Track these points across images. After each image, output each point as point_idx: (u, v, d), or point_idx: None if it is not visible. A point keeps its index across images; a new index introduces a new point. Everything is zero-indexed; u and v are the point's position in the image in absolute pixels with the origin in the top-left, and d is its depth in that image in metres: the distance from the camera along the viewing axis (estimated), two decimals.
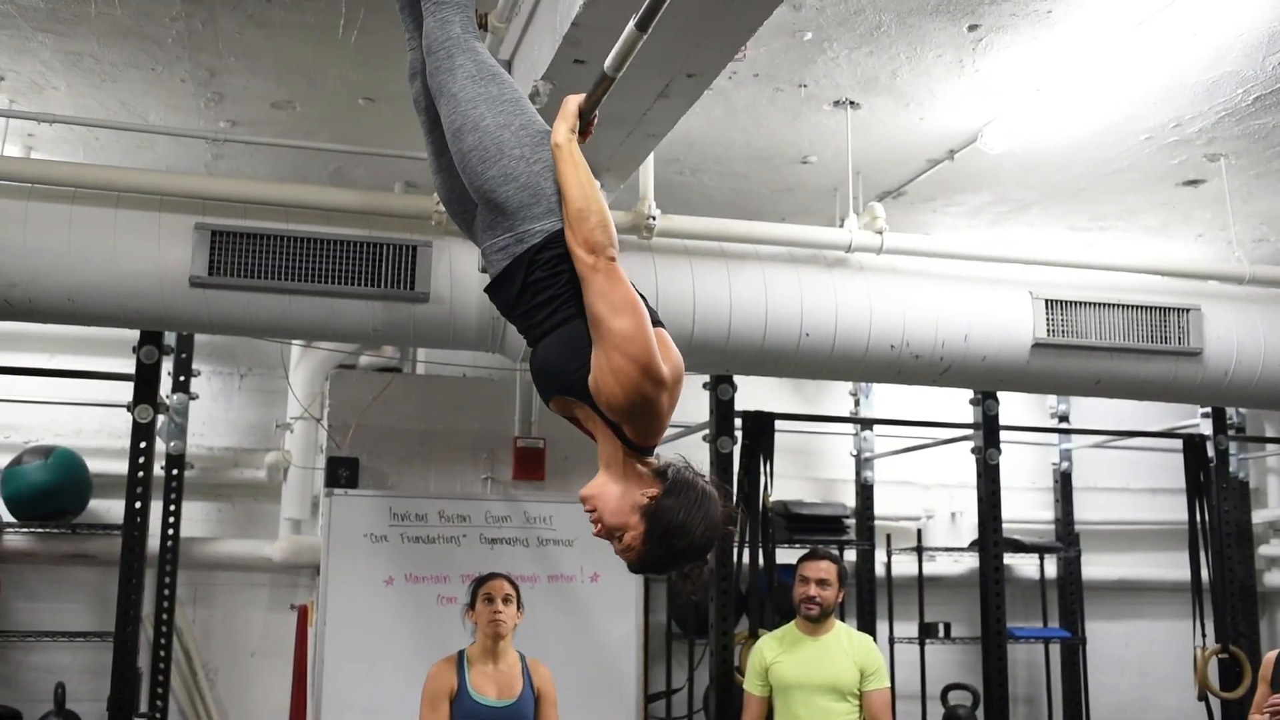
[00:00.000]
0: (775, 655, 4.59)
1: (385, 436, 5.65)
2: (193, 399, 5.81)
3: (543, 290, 2.25)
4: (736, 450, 5.78)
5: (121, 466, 5.32)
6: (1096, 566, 7.29)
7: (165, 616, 5.63)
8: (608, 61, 2.17)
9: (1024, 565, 7.18)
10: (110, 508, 5.76)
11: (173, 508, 5.71)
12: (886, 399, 6.97)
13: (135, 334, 5.25)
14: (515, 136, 2.30)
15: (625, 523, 2.20)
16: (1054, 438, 7.34)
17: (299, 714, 5.54)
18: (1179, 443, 6.72)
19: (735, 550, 5.78)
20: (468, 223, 2.54)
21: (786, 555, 5.87)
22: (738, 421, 5.82)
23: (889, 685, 4.57)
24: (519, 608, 4.36)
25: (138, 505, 5.23)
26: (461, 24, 2.45)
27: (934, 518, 7.32)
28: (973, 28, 3.88)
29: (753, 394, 6.19)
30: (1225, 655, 6.40)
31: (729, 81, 4.29)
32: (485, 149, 2.29)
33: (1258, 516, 7.35)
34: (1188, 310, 5.07)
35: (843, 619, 4.86)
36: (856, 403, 7.04)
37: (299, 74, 4.44)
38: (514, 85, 2.42)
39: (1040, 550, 6.95)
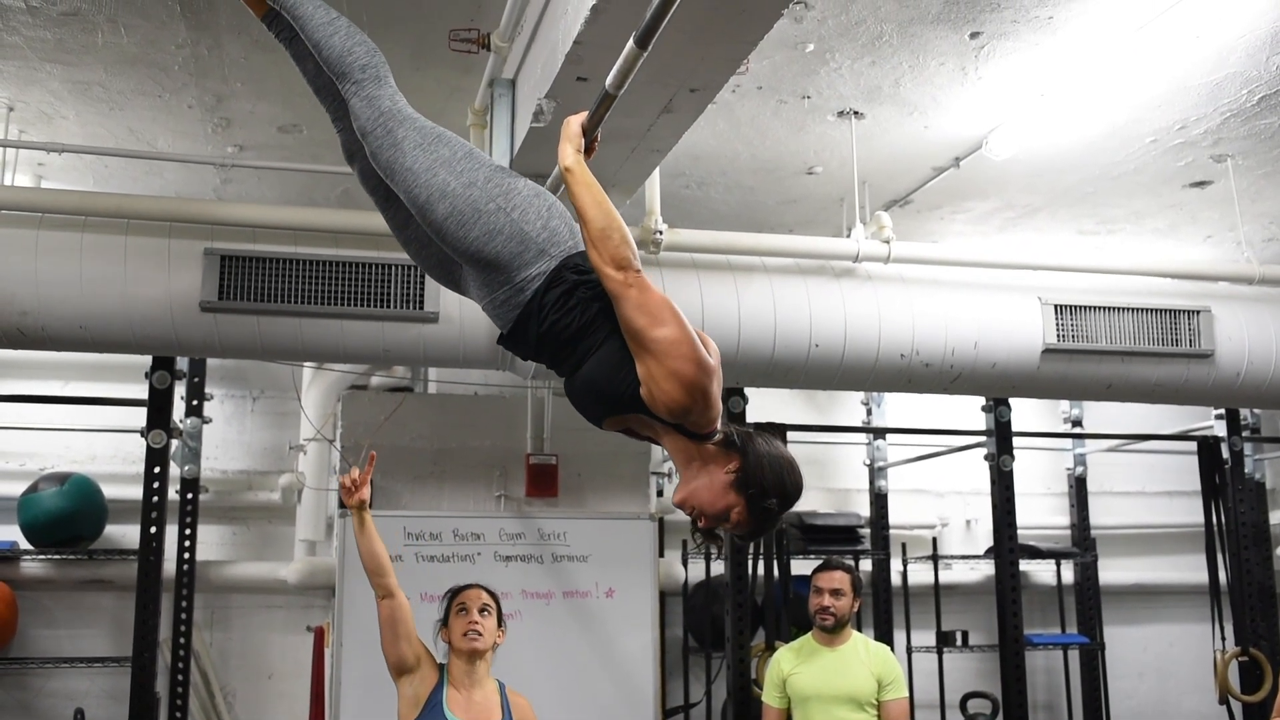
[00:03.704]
0: (793, 666, 4.58)
1: (398, 456, 5.66)
2: (206, 423, 5.83)
3: (563, 329, 2.28)
4: None
5: (136, 491, 5.34)
6: (1113, 571, 7.25)
7: (183, 640, 5.64)
8: (609, 79, 2.19)
9: (1040, 571, 7.15)
10: (126, 533, 5.78)
11: (188, 531, 5.72)
12: (899, 408, 6.96)
13: (147, 359, 5.27)
14: (484, 191, 2.30)
15: (727, 504, 2.23)
16: (1067, 443, 7.31)
17: None
18: (1193, 445, 6.70)
19: (750, 562, 5.77)
20: (454, 282, 2.54)
21: (802, 566, 5.86)
22: None
23: (907, 695, 4.55)
24: (500, 624, 3.76)
25: (153, 530, 5.24)
26: (389, 96, 2.42)
27: (949, 526, 7.30)
28: (974, 35, 3.89)
29: (764, 406, 6.18)
30: (1245, 658, 6.37)
31: (732, 95, 4.30)
32: (460, 213, 2.29)
33: (1275, 517, 7.30)
34: (1198, 312, 5.04)
35: (859, 629, 4.84)
36: (869, 412, 7.03)
37: (305, 98, 4.43)
38: (458, 139, 2.41)
39: (1056, 556, 6.93)
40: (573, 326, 2.27)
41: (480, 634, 3.65)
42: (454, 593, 3.80)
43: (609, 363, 2.23)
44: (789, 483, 2.26)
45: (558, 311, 2.27)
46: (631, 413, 2.24)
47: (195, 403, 5.80)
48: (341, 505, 5.44)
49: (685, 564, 6.43)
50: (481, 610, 3.70)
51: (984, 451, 6.25)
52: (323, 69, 2.51)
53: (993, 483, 6.18)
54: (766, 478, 2.22)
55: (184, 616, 5.66)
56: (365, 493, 3.60)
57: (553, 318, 2.27)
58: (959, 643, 6.47)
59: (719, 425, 2.26)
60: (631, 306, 2.16)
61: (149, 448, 5.26)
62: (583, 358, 2.28)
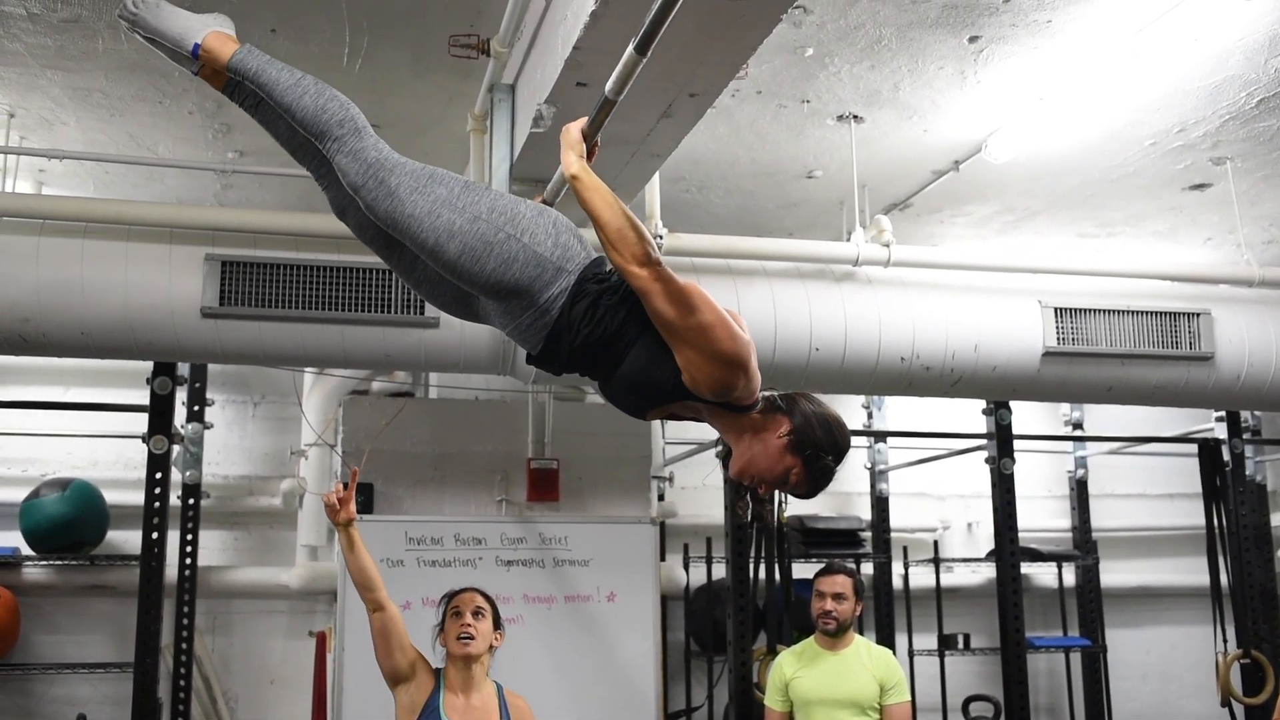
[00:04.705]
0: (795, 670, 4.58)
1: (399, 461, 5.66)
2: (207, 428, 5.84)
3: (597, 339, 2.31)
4: None
5: (138, 497, 5.34)
6: (1115, 574, 7.26)
7: (184, 646, 5.64)
8: (609, 84, 2.19)
9: (1042, 574, 7.16)
10: (128, 538, 5.79)
11: (190, 537, 5.73)
12: (899, 411, 6.96)
13: (149, 365, 5.28)
14: (490, 223, 2.29)
15: (785, 467, 2.30)
16: (1068, 445, 7.32)
17: None
18: (1194, 447, 6.70)
19: (751, 566, 5.77)
20: (473, 314, 2.53)
21: (803, 570, 5.87)
22: None
23: (909, 698, 4.55)
24: (497, 627, 3.74)
25: (155, 535, 5.24)
26: (372, 146, 2.36)
27: (950, 529, 7.31)
28: (973, 39, 3.89)
29: None
30: (1247, 660, 6.36)
31: (732, 99, 4.30)
32: (472, 249, 2.28)
33: (1276, 519, 7.30)
34: (1198, 314, 5.05)
35: (861, 632, 4.84)
36: (869, 415, 7.04)
37: None
38: (450, 174, 2.38)
39: (1058, 559, 6.93)
40: (606, 335, 2.30)
41: (473, 636, 3.63)
42: (448, 597, 3.79)
43: (646, 358, 2.27)
44: (840, 438, 2.33)
45: (588, 324, 2.30)
46: (675, 401, 2.29)
47: (196, 408, 5.81)
48: None
49: (686, 568, 6.44)
50: (475, 613, 3.67)
51: (985, 454, 6.25)
52: (296, 130, 2.45)
53: (994, 486, 6.18)
54: (819, 436, 2.29)
55: (186, 622, 5.66)
56: (351, 510, 3.57)
57: (584, 330, 2.30)
58: (961, 646, 6.47)
59: (759, 392, 2.31)
60: (661, 300, 2.19)
61: (150, 453, 5.26)
62: (618, 359, 2.31)
